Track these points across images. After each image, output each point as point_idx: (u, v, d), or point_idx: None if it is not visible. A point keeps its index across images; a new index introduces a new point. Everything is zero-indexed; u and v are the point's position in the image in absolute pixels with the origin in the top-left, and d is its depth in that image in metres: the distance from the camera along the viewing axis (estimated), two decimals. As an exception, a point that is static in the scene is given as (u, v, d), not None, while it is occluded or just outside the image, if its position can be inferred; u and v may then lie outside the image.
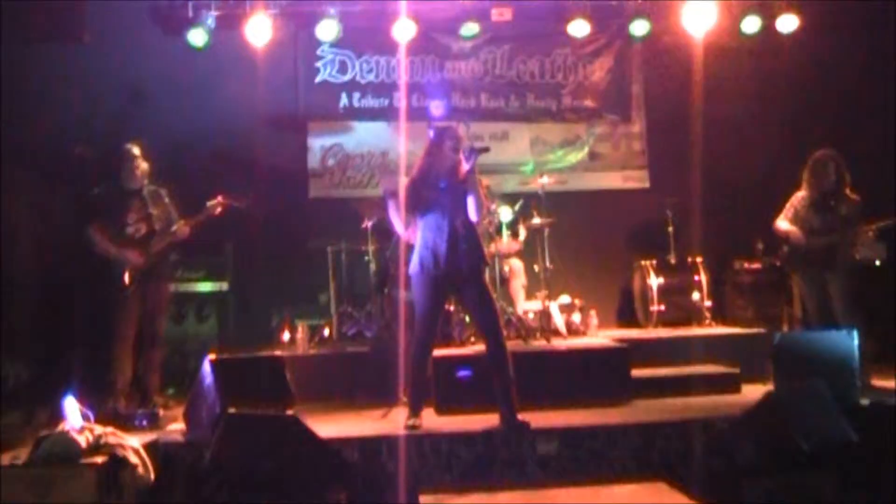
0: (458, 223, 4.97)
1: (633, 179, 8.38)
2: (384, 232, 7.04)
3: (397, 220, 5.09)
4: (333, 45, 7.88)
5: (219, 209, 5.95)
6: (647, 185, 8.35)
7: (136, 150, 5.93)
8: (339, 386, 6.16)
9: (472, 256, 4.99)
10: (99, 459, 4.30)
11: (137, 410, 5.49)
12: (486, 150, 5.09)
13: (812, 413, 4.46)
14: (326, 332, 7.00)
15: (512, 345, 6.18)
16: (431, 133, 5.18)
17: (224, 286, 7.12)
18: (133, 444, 4.53)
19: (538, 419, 5.03)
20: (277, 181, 7.73)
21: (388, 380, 5.84)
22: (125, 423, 5.14)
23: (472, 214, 4.95)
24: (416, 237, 5.03)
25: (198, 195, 6.07)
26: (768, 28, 7.81)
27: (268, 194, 7.08)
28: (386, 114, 8.07)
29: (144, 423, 5.35)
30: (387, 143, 8.15)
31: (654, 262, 7.55)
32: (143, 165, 5.94)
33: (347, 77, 8.05)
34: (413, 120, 7.98)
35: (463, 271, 4.99)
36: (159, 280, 5.95)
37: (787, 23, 7.73)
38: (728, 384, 5.96)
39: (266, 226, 7.46)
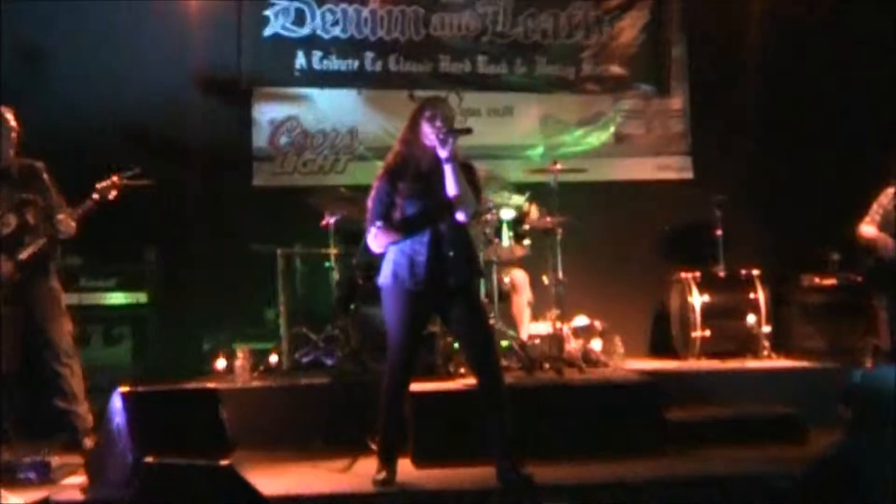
0: (443, 224, 5.02)
1: (671, 168, 8.42)
2: (351, 232, 7.06)
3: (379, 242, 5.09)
4: (288, -14, 7.96)
5: (113, 192, 5.70)
6: (689, 175, 8.40)
7: (9, 115, 5.72)
8: (290, 428, 6.19)
9: (460, 266, 5.04)
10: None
11: (23, 459, 5.41)
12: (467, 131, 5.13)
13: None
14: (275, 359, 7.06)
15: (513, 378, 6.24)
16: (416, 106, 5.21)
17: (142, 298, 7.15)
18: (15, 505, 4.51)
19: (545, 473, 5.05)
20: (212, 166, 7.77)
21: (354, 421, 5.89)
22: (6, 476, 5.11)
23: (459, 213, 4.99)
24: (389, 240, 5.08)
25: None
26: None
27: (200, 182, 7.13)
28: (355, 79, 8.06)
29: (32, 475, 5.31)
30: (356, 117, 8.18)
31: (698, 275, 7.58)
32: (13, 136, 5.67)
33: (305, 31, 8.01)
34: (391, 88, 8.00)
35: (449, 285, 5.02)
36: (38, 280, 5.69)
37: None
38: (789, 432, 6.02)
39: (198, 222, 7.49)
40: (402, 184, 5.02)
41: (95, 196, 5.68)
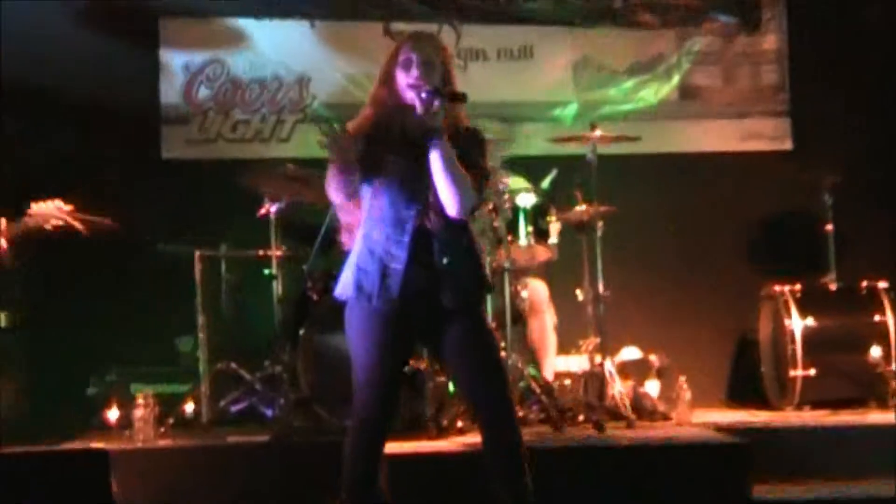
0: (429, 215, 4.93)
1: (762, 137, 8.51)
2: (301, 225, 7.06)
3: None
4: None
5: (52, 224, 6.05)
6: (787, 146, 8.47)
7: None
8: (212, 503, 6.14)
9: (458, 278, 4.96)
10: None
11: None
12: (460, 97, 5.03)
13: None
14: (191, 407, 7.05)
15: (532, 435, 6.22)
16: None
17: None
18: None
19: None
20: (103, 131, 7.77)
21: (301, 498, 5.88)
22: None
23: (450, 204, 4.88)
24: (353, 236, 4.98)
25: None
26: None
27: (85, 154, 7.13)
28: (307, 5, 8.15)
29: None
30: (308, 61, 8.23)
31: (799, 288, 7.59)
32: None
33: (235, -67, 8.20)
34: (358, 18, 8.02)
35: (442, 303, 4.95)
36: None
37: None
38: (930, 518, 6.01)
39: (81, 212, 7.40)
40: (370, 157, 4.91)
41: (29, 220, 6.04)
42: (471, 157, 4.89)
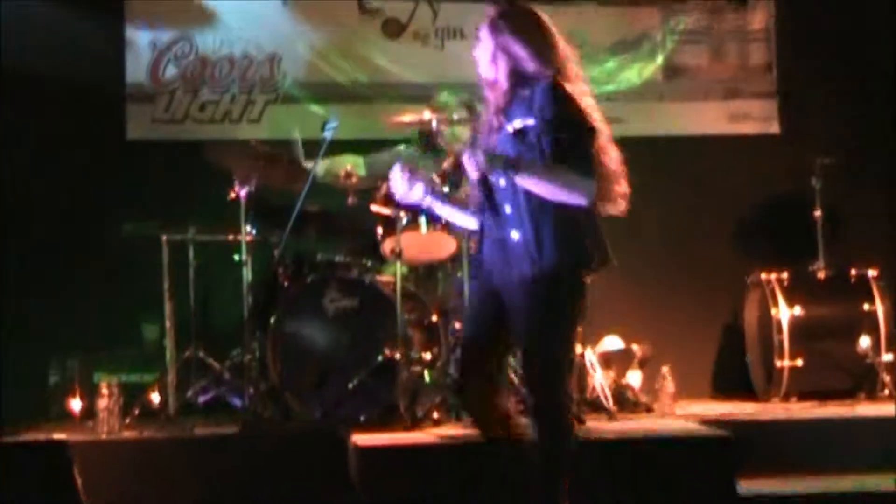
0: None
1: (749, 118, 8.52)
2: (271, 208, 7.04)
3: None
4: None
5: None
6: (775, 129, 8.47)
7: None
8: (178, 497, 6.05)
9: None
10: None
11: None
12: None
13: None
14: (156, 397, 7.03)
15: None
16: None
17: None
18: None
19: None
20: (65, 109, 7.73)
21: (273, 486, 5.87)
22: None
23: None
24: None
25: None
26: None
27: (46, 133, 7.12)
28: None
29: None
30: (279, 37, 8.22)
31: (787, 276, 7.61)
32: None
33: None
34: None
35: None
36: None
37: None
38: (919, 511, 6.01)
39: (42, 193, 7.50)
40: None
41: None
42: (541, 144, 4.84)
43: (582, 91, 4.83)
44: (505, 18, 4.87)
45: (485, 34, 4.88)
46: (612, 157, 4.95)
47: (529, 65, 4.77)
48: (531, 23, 4.88)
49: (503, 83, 4.83)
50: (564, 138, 4.68)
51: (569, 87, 4.75)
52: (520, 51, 4.78)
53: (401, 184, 4.96)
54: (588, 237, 4.89)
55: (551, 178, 4.74)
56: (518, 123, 4.74)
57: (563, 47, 4.86)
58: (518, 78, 4.80)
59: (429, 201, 5.00)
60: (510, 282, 4.78)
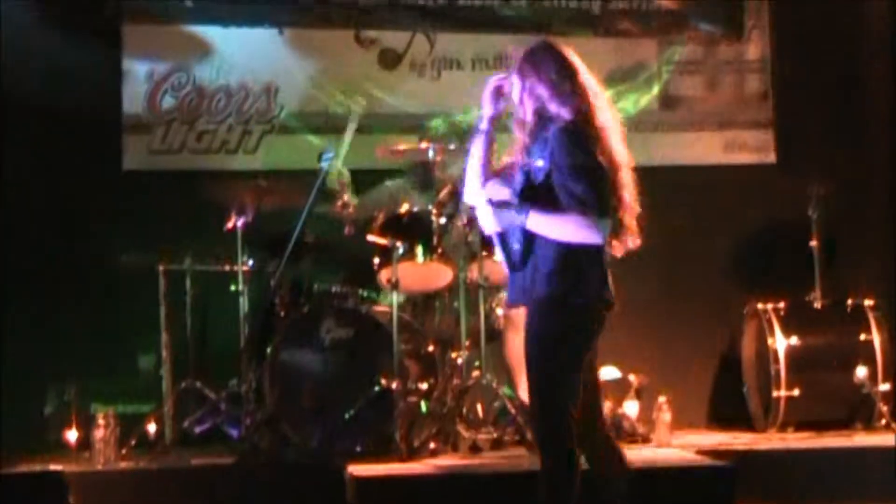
0: None
1: (745, 148, 8.51)
2: (269, 238, 7.03)
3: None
4: None
5: None
6: (771, 158, 8.47)
7: None
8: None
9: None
10: None
11: None
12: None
13: None
14: (153, 427, 7.02)
15: (507, 457, 6.28)
16: None
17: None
18: None
19: None
20: (62, 139, 7.71)
21: None
22: None
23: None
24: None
25: None
26: None
27: (43, 163, 7.09)
28: (276, 13, 8.11)
29: None
30: (276, 69, 8.21)
31: (784, 305, 7.62)
32: None
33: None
34: (329, 25, 7.99)
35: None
36: None
37: None
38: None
39: (40, 223, 7.47)
40: None
41: None
42: (552, 179, 4.83)
43: (604, 125, 4.83)
44: (529, 61, 4.89)
45: (515, 76, 4.92)
46: (630, 191, 4.97)
47: (551, 105, 4.78)
48: (553, 62, 4.88)
49: (530, 123, 4.86)
50: (573, 185, 4.70)
51: (589, 126, 4.76)
52: (543, 91, 4.79)
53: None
54: (592, 270, 4.94)
55: (562, 226, 4.76)
56: (540, 163, 4.75)
57: (585, 81, 4.86)
58: (541, 118, 4.82)
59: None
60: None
